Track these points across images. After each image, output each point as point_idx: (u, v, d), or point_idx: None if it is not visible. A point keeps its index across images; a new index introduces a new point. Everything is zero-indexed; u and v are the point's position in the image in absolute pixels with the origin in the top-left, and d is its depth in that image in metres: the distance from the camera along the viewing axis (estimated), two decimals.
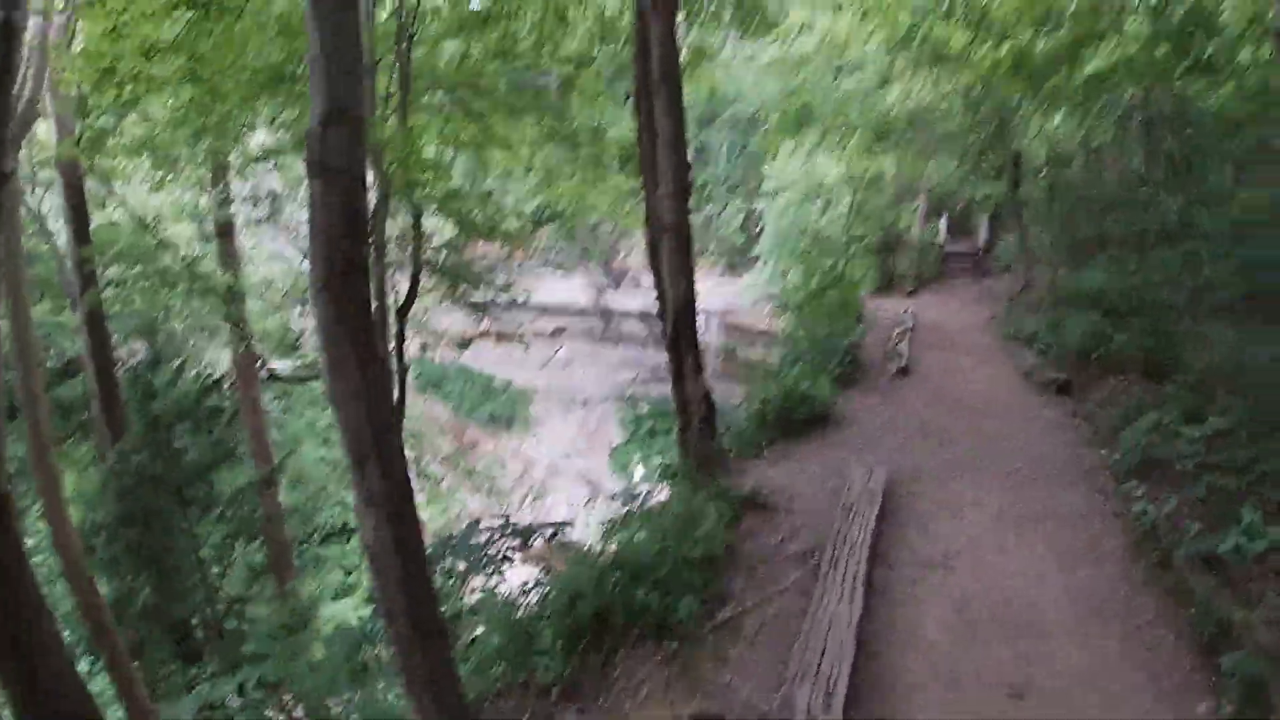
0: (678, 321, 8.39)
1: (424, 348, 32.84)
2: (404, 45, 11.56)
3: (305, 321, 31.45)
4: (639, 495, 8.17)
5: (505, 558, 6.76)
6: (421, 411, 36.11)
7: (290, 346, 28.58)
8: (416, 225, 13.24)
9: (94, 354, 12.04)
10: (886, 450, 9.40)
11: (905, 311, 15.85)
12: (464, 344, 43.62)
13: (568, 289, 43.22)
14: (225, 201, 15.88)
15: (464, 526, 7.35)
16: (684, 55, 14.77)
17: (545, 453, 41.81)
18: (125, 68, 7.75)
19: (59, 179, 12.15)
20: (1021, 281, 16.92)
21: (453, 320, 38.25)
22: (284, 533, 17.11)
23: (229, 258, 16.79)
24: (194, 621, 11.27)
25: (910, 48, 14.27)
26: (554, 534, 7.43)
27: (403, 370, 13.51)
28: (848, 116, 15.68)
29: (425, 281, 13.51)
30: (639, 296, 37.93)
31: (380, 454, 4.19)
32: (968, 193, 20.71)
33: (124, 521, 10.52)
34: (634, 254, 38.18)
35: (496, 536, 6.82)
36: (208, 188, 15.82)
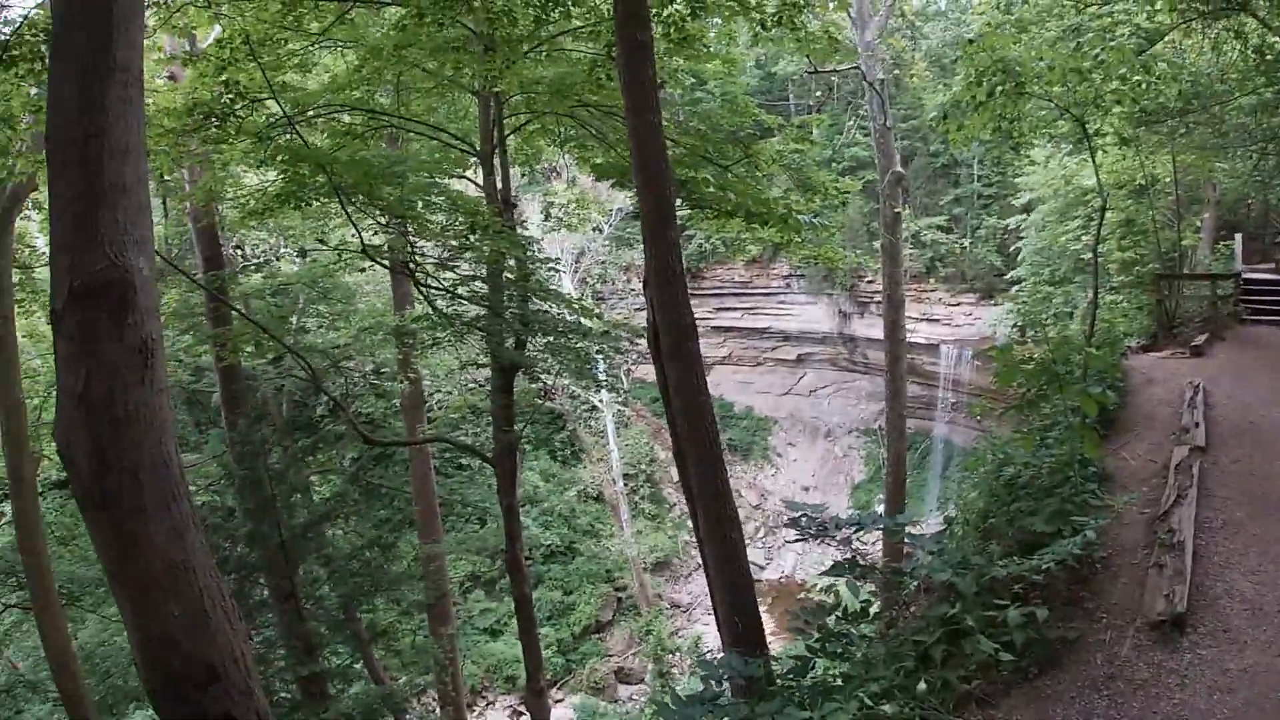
0: None
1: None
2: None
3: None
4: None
5: None
6: (649, 442, 35.63)
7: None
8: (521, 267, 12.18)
9: (227, 402, 12.21)
10: None
11: (1190, 395, 9.02)
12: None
13: (811, 315, 41.17)
14: (401, 241, 15.91)
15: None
16: None
17: (783, 485, 39.62)
18: None
19: (193, 225, 12.54)
20: None
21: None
22: (444, 574, 16.84)
23: (402, 298, 16.98)
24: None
25: None
26: None
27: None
28: (1090, 84, 9.42)
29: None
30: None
31: None
32: (1271, 198, 14.80)
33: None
34: (877, 280, 35.16)
35: None
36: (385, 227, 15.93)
